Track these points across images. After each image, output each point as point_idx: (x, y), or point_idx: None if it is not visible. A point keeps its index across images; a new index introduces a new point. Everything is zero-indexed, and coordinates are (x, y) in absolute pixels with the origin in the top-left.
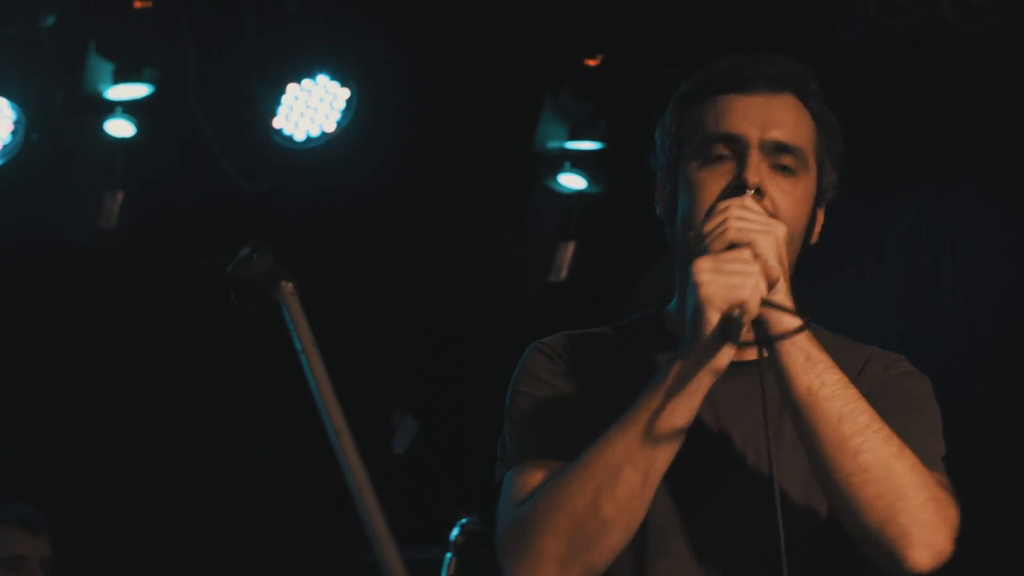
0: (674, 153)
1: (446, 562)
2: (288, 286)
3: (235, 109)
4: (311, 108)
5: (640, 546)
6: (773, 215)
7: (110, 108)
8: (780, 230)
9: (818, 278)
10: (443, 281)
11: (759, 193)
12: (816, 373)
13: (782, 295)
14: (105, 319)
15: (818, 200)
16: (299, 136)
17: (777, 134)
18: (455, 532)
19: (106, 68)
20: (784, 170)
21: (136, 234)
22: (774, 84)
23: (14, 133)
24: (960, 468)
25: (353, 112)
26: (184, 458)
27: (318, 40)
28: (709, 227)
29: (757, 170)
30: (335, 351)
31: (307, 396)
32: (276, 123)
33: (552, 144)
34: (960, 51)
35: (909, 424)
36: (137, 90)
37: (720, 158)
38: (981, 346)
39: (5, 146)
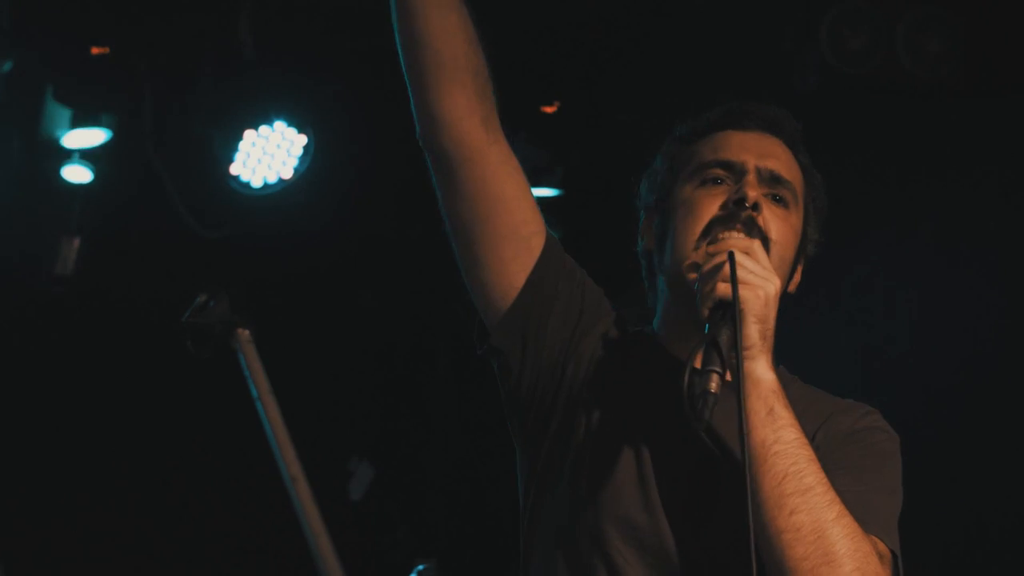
0: (667, 184)
1: None
2: (245, 333)
3: (192, 155)
4: (268, 155)
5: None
6: (766, 234)
7: (67, 154)
8: (773, 286)
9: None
10: (400, 327)
11: (756, 208)
12: (773, 428)
13: (759, 350)
14: (61, 365)
15: (800, 248)
16: (256, 182)
17: (773, 164)
18: None
19: (63, 114)
20: (777, 200)
21: (93, 280)
22: (768, 126)
23: None
24: (912, 518)
25: (310, 158)
26: (137, 504)
27: (275, 87)
28: (708, 268)
29: (755, 188)
30: (292, 397)
31: (263, 442)
32: (233, 169)
33: None
34: (916, 98)
35: (864, 483)
36: (95, 136)
37: (717, 180)
38: (936, 396)
39: None
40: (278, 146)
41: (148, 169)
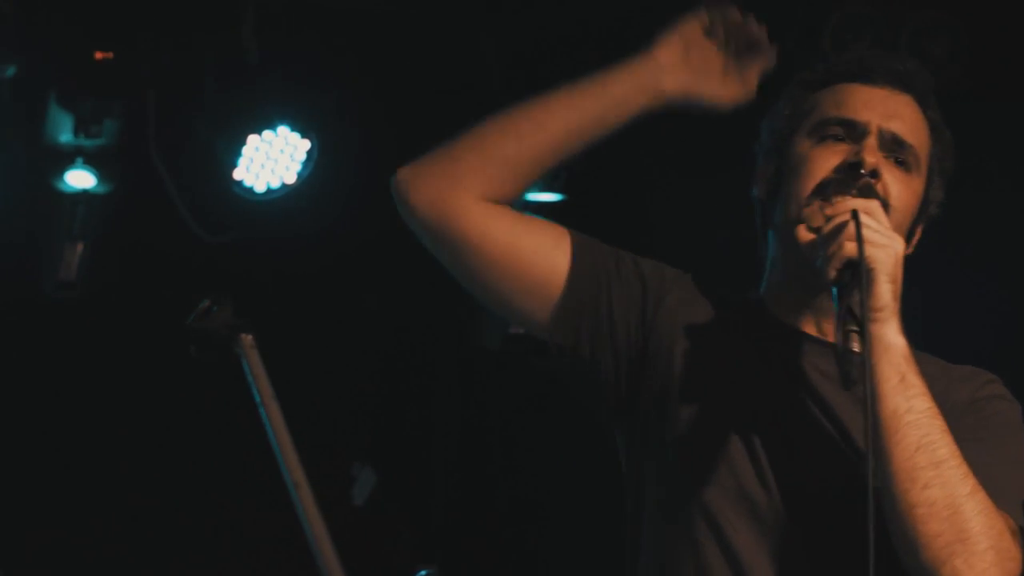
0: (785, 133)
1: None
2: (248, 338)
3: (196, 160)
4: (272, 159)
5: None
6: (884, 200)
7: (71, 159)
8: (900, 246)
9: None
10: (403, 331)
11: (875, 175)
12: (906, 397)
13: (891, 312)
14: (64, 370)
15: (921, 211)
16: (260, 187)
17: (897, 126)
18: None
19: (67, 119)
20: (899, 163)
21: (96, 285)
22: (897, 81)
23: None
24: None
25: (313, 163)
26: (140, 509)
27: (279, 92)
28: (830, 228)
29: (874, 153)
30: (295, 401)
31: (266, 447)
32: (237, 174)
33: None
34: None
35: (990, 455)
36: (98, 141)
37: (836, 139)
38: None
39: None
40: (281, 151)
41: (152, 174)
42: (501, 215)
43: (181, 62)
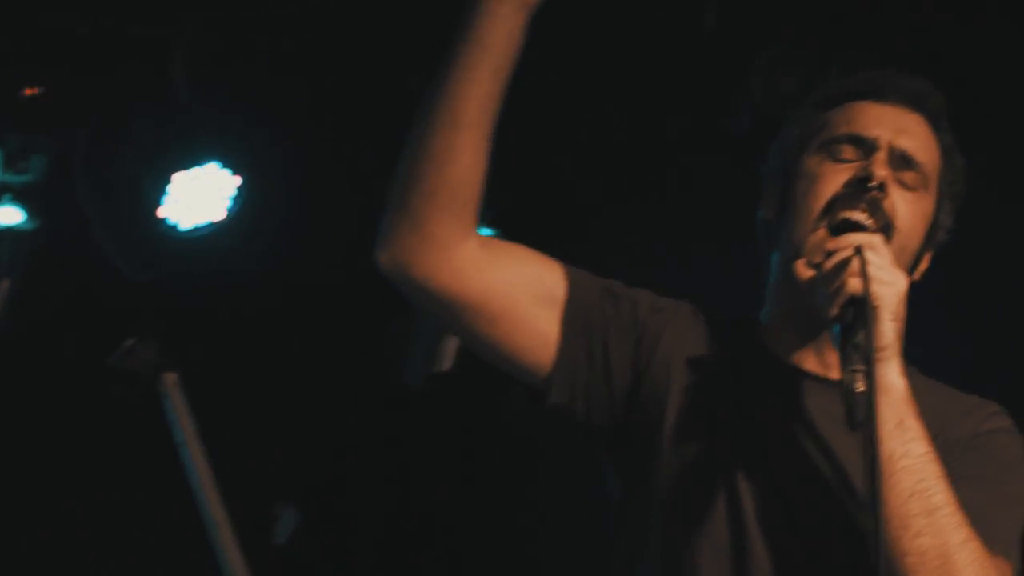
0: (795, 152)
1: None
2: (171, 377)
3: (123, 197)
4: (199, 196)
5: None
6: (890, 219)
7: None
8: (903, 283)
9: None
10: (328, 371)
11: (882, 189)
12: (902, 441)
13: (893, 352)
14: None
15: (930, 235)
16: (186, 224)
17: (907, 143)
18: None
19: None
20: (906, 186)
21: (21, 322)
22: (910, 99)
23: None
24: None
25: (242, 201)
26: (58, 548)
27: (208, 128)
28: (832, 264)
29: (884, 167)
30: (218, 440)
31: (188, 487)
32: (163, 211)
33: None
34: None
35: (986, 494)
36: (25, 177)
37: (845, 158)
38: None
39: None
40: (210, 188)
41: (79, 211)
42: (492, 264)
43: (110, 97)
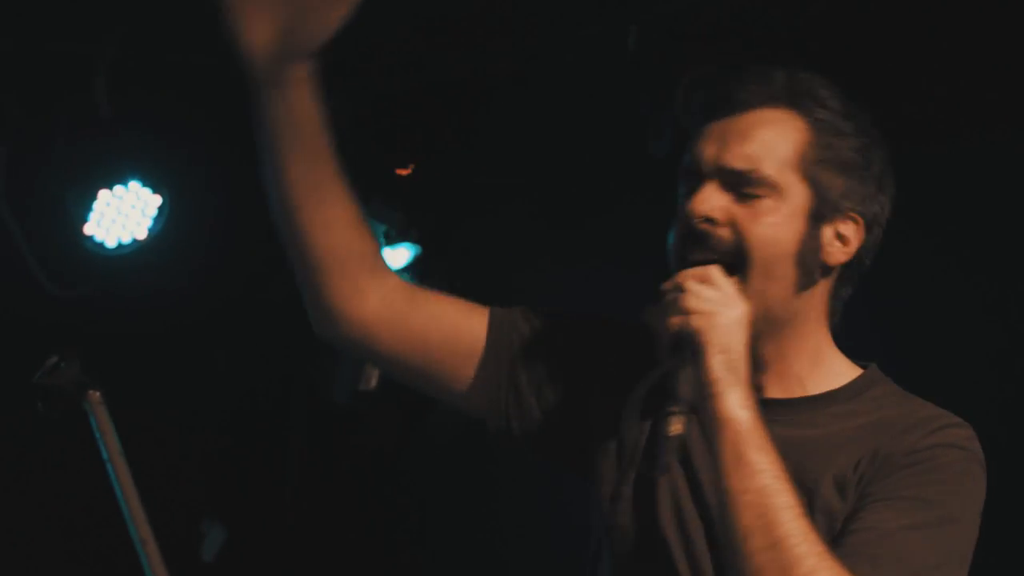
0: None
1: None
2: (96, 395)
3: (46, 214)
4: (123, 214)
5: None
6: (733, 245)
7: None
8: (735, 310)
9: None
10: (253, 387)
11: (708, 221)
12: (740, 477)
13: (727, 384)
14: None
15: (820, 215)
16: (110, 242)
17: (734, 154)
18: None
19: None
20: (747, 197)
21: None
22: (746, 102)
23: None
24: None
25: (165, 219)
26: None
27: (131, 146)
28: (657, 308)
29: (706, 200)
30: (144, 458)
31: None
32: (87, 229)
33: None
34: None
35: (902, 519)
36: None
37: (688, 193)
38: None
39: None
40: (132, 206)
41: (1, 227)
42: (406, 320)
43: (32, 114)
